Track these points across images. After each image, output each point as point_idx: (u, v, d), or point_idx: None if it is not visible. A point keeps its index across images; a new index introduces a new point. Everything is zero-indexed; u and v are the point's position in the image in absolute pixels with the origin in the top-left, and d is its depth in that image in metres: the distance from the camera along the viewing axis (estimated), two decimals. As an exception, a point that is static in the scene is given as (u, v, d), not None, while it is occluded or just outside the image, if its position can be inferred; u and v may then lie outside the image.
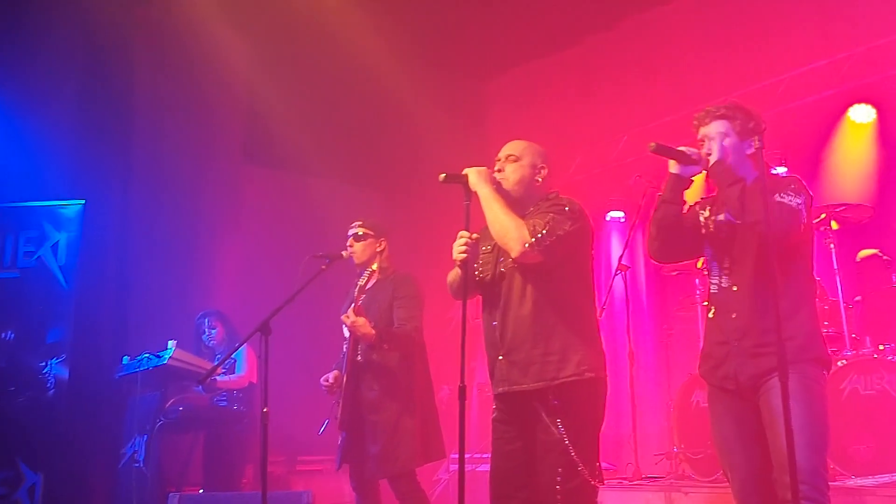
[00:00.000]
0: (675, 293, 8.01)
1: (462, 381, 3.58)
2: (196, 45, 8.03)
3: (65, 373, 6.82)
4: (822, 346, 3.57)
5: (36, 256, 7.05)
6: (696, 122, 3.70)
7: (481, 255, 3.94)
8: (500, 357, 3.82)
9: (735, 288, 3.57)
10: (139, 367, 6.51)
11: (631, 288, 7.50)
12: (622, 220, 9.39)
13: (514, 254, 3.71)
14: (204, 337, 7.15)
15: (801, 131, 7.74)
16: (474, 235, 3.79)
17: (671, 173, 3.64)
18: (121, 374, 6.77)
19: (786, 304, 3.30)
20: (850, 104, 7.86)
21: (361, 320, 4.89)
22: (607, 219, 9.24)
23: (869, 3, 7.45)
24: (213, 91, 8.53)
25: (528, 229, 3.67)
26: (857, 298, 6.37)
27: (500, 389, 3.83)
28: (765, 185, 3.30)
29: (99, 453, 6.98)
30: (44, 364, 6.85)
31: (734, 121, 3.61)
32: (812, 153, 7.82)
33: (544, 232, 3.67)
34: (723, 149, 3.59)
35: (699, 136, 3.67)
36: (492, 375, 3.90)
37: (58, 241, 7.05)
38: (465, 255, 3.73)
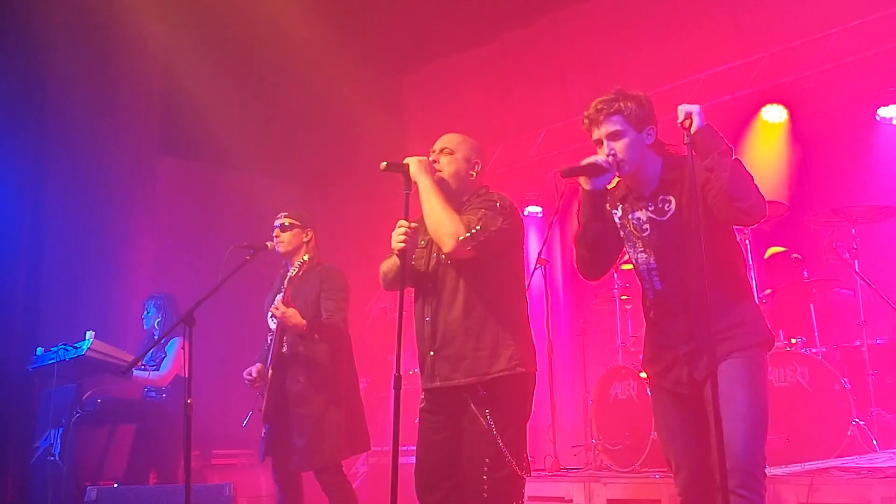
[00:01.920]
0: (592, 287, 8.09)
1: (397, 370, 3.57)
2: (113, 30, 7.88)
3: (-24, 364, 6.63)
4: (768, 329, 3.46)
5: (-56, 245, 6.84)
6: (586, 123, 3.49)
7: (416, 249, 3.95)
8: (432, 353, 3.83)
9: (671, 291, 3.45)
10: (55, 359, 6.34)
11: (549, 282, 7.58)
12: (540, 214, 9.48)
13: (446, 248, 3.72)
14: (145, 319, 7.01)
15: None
16: (413, 224, 3.79)
17: (585, 191, 3.44)
18: (34, 365, 6.58)
19: (729, 295, 3.31)
20: (763, 104, 8.07)
21: (292, 311, 4.85)
22: (525, 214, 9.31)
23: (783, 5, 7.67)
24: (129, 78, 8.35)
25: (463, 224, 3.70)
26: (767, 292, 6.54)
27: (431, 385, 3.84)
28: (693, 174, 3.18)
29: (11, 447, 6.83)
30: (-47, 356, 6.65)
31: (627, 113, 3.41)
32: (727, 153, 8.00)
33: (477, 228, 3.69)
34: (626, 147, 3.41)
35: (595, 138, 3.47)
36: (422, 370, 3.91)
37: (-32, 230, 6.86)
38: (403, 244, 3.73)
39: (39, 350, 6.60)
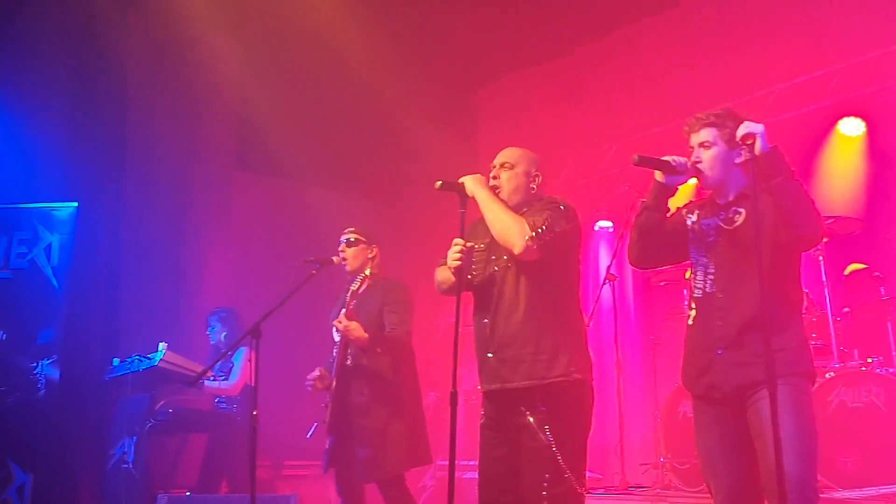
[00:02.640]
0: (662, 303, 8.02)
1: (454, 385, 3.62)
2: (189, 50, 8.09)
3: (55, 374, 6.83)
4: (810, 360, 3.52)
5: (28, 258, 7.06)
6: (686, 130, 3.69)
7: (475, 253, 3.96)
8: (490, 354, 3.84)
9: (721, 295, 3.53)
10: (129, 369, 6.52)
11: (618, 297, 7.53)
12: (610, 229, 9.40)
13: (517, 250, 3.72)
14: (210, 334, 7.17)
15: (790, 144, 7.69)
16: (469, 244, 3.82)
17: (656, 181, 3.63)
18: (111, 375, 6.78)
19: (777, 316, 3.30)
20: (840, 117, 7.88)
21: (354, 324, 4.91)
22: (596, 228, 9.25)
23: (859, 16, 7.50)
24: (206, 96, 8.58)
25: (528, 224, 3.71)
26: (846, 310, 6.38)
27: (489, 387, 3.85)
28: (755, 192, 3.28)
29: (88, 454, 7.01)
30: (35, 364, 6.86)
31: (723, 129, 3.57)
32: (801, 166, 7.82)
33: (543, 227, 3.70)
34: (712, 158, 3.59)
35: (689, 144, 3.67)
36: (481, 373, 3.92)
37: (50, 243, 7.07)
38: (459, 262, 3.76)
39: (115, 360, 6.80)
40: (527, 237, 3.67)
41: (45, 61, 7.54)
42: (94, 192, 7.39)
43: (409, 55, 8.42)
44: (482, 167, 4.03)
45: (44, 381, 6.83)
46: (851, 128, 7.88)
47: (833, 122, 7.93)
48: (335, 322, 4.99)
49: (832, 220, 6.27)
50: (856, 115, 7.85)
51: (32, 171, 7.39)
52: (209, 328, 7.14)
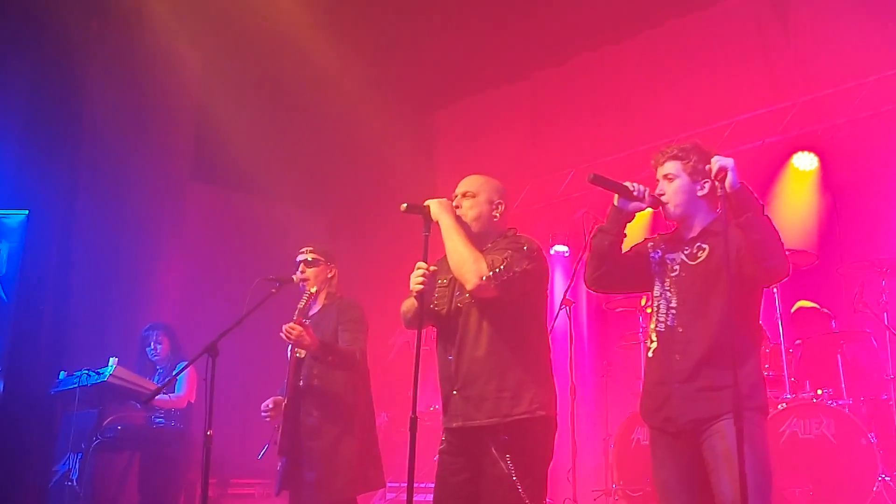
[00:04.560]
0: (616, 329, 8.08)
1: (413, 411, 3.60)
2: (148, 59, 8.00)
3: None
4: (765, 395, 3.57)
5: (-24, 266, 6.90)
6: (652, 164, 3.74)
7: (437, 288, 3.95)
8: (455, 392, 3.82)
9: (681, 329, 3.56)
10: (77, 384, 6.37)
11: (574, 323, 7.54)
12: (566, 254, 9.45)
13: (469, 286, 3.72)
14: (149, 350, 7.02)
15: (745, 176, 7.82)
16: (432, 267, 3.80)
17: (612, 205, 3.66)
18: (57, 389, 6.61)
19: (737, 350, 3.32)
20: (795, 151, 8.05)
21: (300, 329, 4.79)
22: (552, 252, 9.27)
23: (817, 52, 7.65)
24: (163, 106, 8.48)
25: (486, 263, 3.70)
26: (798, 342, 6.47)
27: (454, 424, 3.82)
28: (726, 227, 3.33)
29: (31, 469, 6.80)
30: (-22, 376, 6.68)
31: (686, 161, 3.63)
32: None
33: (501, 268, 3.69)
34: (675, 191, 3.64)
35: (656, 177, 3.71)
36: (445, 410, 3.89)
37: (-1, 251, 6.92)
38: (422, 286, 3.74)
39: (62, 374, 6.64)
40: (483, 276, 3.66)
41: (-1, 64, 7.39)
42: (45, 200, 7.21)
43: (370, 73, 8.42)
44: (440, 187, 4.03)
45: (-12, 393, 6.65)
46: (805, 162, 8.02)
47: (788, 156, 8.10)
48: (285, 327, 4.84)
49: (787, 252, 6.31)
50: (810, 149, 8.00)
51: (-19, 177, 7.23)
52: (153, 344, 7.00)
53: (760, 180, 7.96)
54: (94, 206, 7.79)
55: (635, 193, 3.60)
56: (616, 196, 3.65)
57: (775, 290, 6.32)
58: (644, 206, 3.65)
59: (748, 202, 3.41)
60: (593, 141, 8.80)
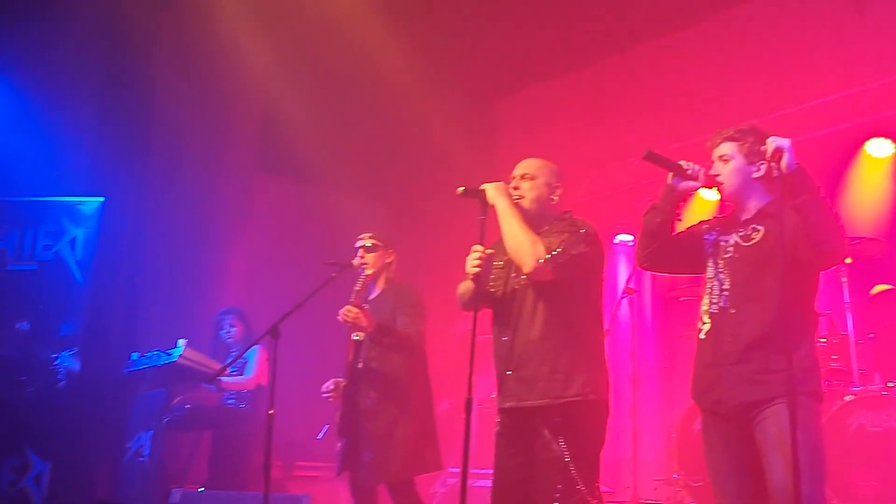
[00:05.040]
0: (680, 318, 7.97)
1: (469, 393, 3.65)
2: (217, 50, 8.16)
3: (76, 365, 6.91)
4: (819, 381, 3.54)
5: (53, 250, 7.16)
6: (709, 145, 3.75)
7: (494, 271, 3.98)
8: (509, 372, 3.86)
9: (733, 311, 3.54)
10: (148, 364, 6.56)
11: (636, 312, 7.51)
12: (630, 243, 9.34)
13: (526, 269, 3.75)
14: (222, 333, 7.18)
15: (817, 163, 7.70)
16: (488, 250, 3.84)
17: (666, 183, 3.69)
18: (129, 369, 6.81)
19: (789, 332, 3.29)
20: (868, 138, 7.81)
21: (357, 310, 4.87)
22: (615, 242, 9.20)
23: (889, 37, 7.44)
24: (232, 96, 8.67)
25: (543, 246, 3.72)
26: (871, 336, 6.32)
27: (507, 404, 3.87)
28: (781, 208, 3.31)
29: (105, 446, 7.05)
30: (56, 356, 6.94)
31: (742, 143, 3.63)
32: (827, 186, 7.77)
33: (558, 250, 3.72)
34: (730, 171, 3.64)
35: (712, 159, 3.71)
36: (499, 390, 3.94)
37: (75, 237, 7.16)
38: (478, 269, 3.78)
39: (135, 355, 6.82)
40: (539, 259, 3.70)
41: (74, 56, 7.62)
42: (119, 188, 7.45)
43: (433, 61, 8.41)
44: (502, 177, 4.04)
45: (64, 372, 6.91)
46: (879, 149, 7.80)
47: (861, 143, 7.86)
48: (343, 311, 4.92)
49: (857, 241, 6.19)
50: (884, 135, 7.77)
51: (60, 166, 7.49)
52: (226, 327, 7.17)
53: (832, 167, 7.76)
54: (165, 194, 8.01)
55: (689, 172, 3.62)
56: (670, 174, 3.66)
57: (844, 279, 6.19)
58: (698, 185, 3.67)
59: (804, 184, 3.38)
60: (658, 129, 8.68)
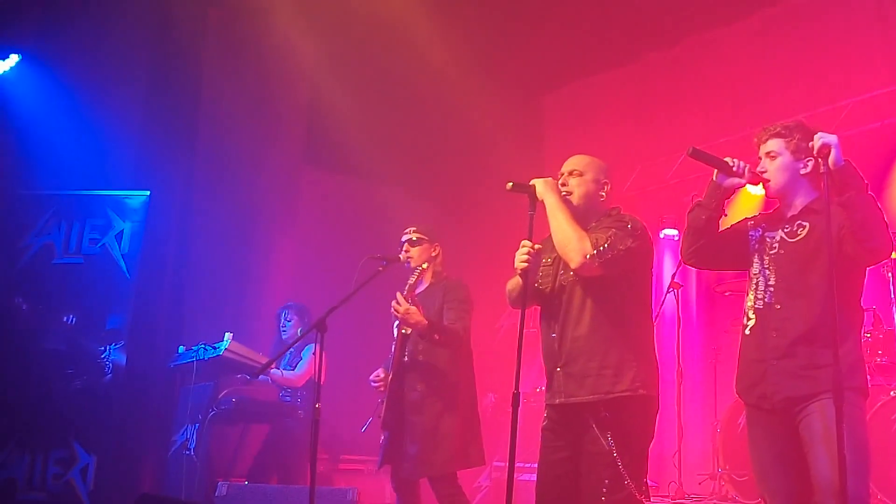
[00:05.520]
0: (725, 313, 7.93)
1: (516, 387, 3.62)
2: (264, 44, 8.21)
3: (122, 359, 6.99)
4: (864, 377, 3.54)
5: (100, 244, 7.23)
6: (755, 141, 3.74)
7: (542, 267, 3.98)
8: (558, 369, 3.85)
9: (779, 306, 3.54)
10: (195, 357, 6.60)
11: (682, 306, 7.48)
12: (676, 238, 9.31)
13: (573, 264, 3.74)
14: (281, 328, 7.21)
15: (862, 158, 7.61)
16: (536, 246, 3.83)
17: (711, 180, 3.69)
18: (176, 362, 6.87)
19: (837, 331, 3.27)
20: (914, 133, 7.75)
21: (413, 308, 4.90)
22: (661, 236, 9.16)
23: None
24: (278, 91, 8.69)
25: (591, 242, 3.72)
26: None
27: (557, 401, 3.85)
28: (828, 204, 3.29)
29: (151, 439, 7.12)
30: (103, 349, 7.02)
31: (790, 140, 3.63)
32: (873, 181, 7.65)
33: (605, 245, 3.70)
34: (777, 168, 3.64)
35: (758, 155, 3.71)
36: (549, 386, 3.93)
37: (122, 230, 7.23)
38: (526, 264, 3.77)
39: (181, 348, 6.89)
40: (587, 254, 3.68)
41: (121, 51, 7.70)
42: (165, 182, 7.51)
43: (479, 56, 8.42)
44: (548, 172, 4.04)
45: (111, 365, 6.99)
46: (924, 144, 7.72)
47: (906, 138, 7.78)
48: (394, 303, 4.95)
49: (900, 234, 6.13)
50: (931, 131, 7.69)
51: (107, 159, 7.55)
52: (283, 322, 7.19)
53: (879, 162, 7.67)
54: (211, 188, 8.06)
55: (734, 169, 3.61)
56: (715, 171, 3.66)
57: (889, 274, 6.14)
58: (744, 182, 3.66)
59: (852, 180, 3.37)
60: (703, 124, 8.66)
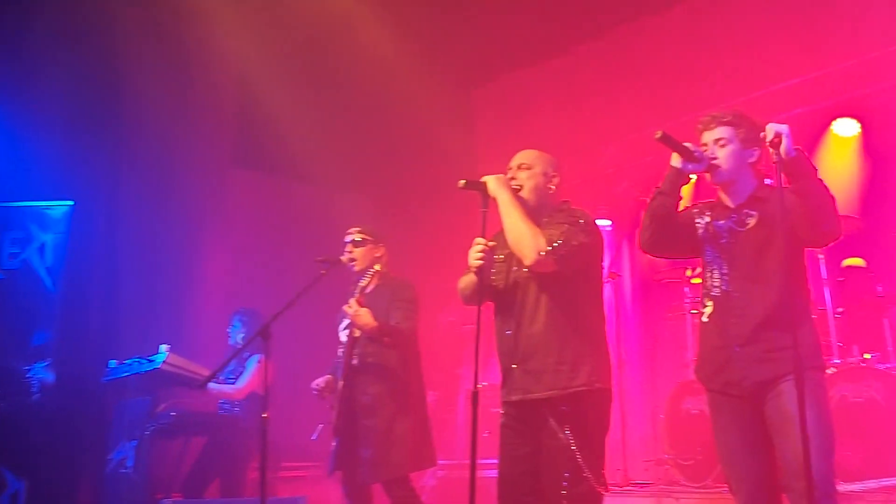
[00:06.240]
0: (661, 301, 8.04)
1: (475, 386, 3.64)
2: (187, 45, 8.02)
3: (50, 377, 6.74)
4: (822, 355, 3.64)
5: (21, 258, 6.97)
6: (700, 127, 3.77)
7: (495, 264, 3.98)
8: (514, 366, 3.87)
9: (736, 294, 3.61)
10: (129, 371, 6.43)
11: (618, 296, 7.54)
12: (609, 228, 9.39)
13: (527, 261, 3.77)
14: (230, 334, 7.07)
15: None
16: (490, 243, 3.83)
17: (672, 166, 3.70)
18: (108, 378, 6.67)
19: (790, 312, 3.36)
20: (835, 118, 7.93)
21: (364, 310, 4.89)
22: (595, 227, 9.21)
23: (855, 18, 7.52)
24: (204, 93, 8.49)
25: (545, 238, 3.72)
26: (840, 310, 6.42)
27: (514, 397, 3.88)
28: (781, 193, 3.34)
29: (85, 459, 6.89)
30: (28, 368, 6.75)
31: (739, 128, 3.69)
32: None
33: (559, 242, 3.74)
34: (727, 155, 3.67)
35: (702, 141, 3.74)
36: (504, 384, 3.95)
37: (44, 243, 6.98)
38: (480, 262, 3.77)
39: (112, 362, 6.69)
40: (541, 251, 3.71)
41: (41, 57, 7.40)
42: (89, 191, 7.28)
43: (410, 51, 8.33)
44: (483, 165, 4.03)
45: (38, 384, 6.73)
46: (846, 128, 7.92)
47: (828, 123, 7.98)
48: (346, 306, 4.94)
49: (835, 217, 6.27)
50: (851, 115, 7.89)
51: (26, 169, 7.26)
52: (231, 327, 7.04)
53: (806, 146, 7.83)
54: (138, 194, 7.84)
55: (696, 155, 3.65)
56: (677, 157, 3.68)
57: (821, 255, 6.31)
58: (701, 168, 3.70)
59: (803, 168, 3.44)
60: (633, 114, 8.70)
